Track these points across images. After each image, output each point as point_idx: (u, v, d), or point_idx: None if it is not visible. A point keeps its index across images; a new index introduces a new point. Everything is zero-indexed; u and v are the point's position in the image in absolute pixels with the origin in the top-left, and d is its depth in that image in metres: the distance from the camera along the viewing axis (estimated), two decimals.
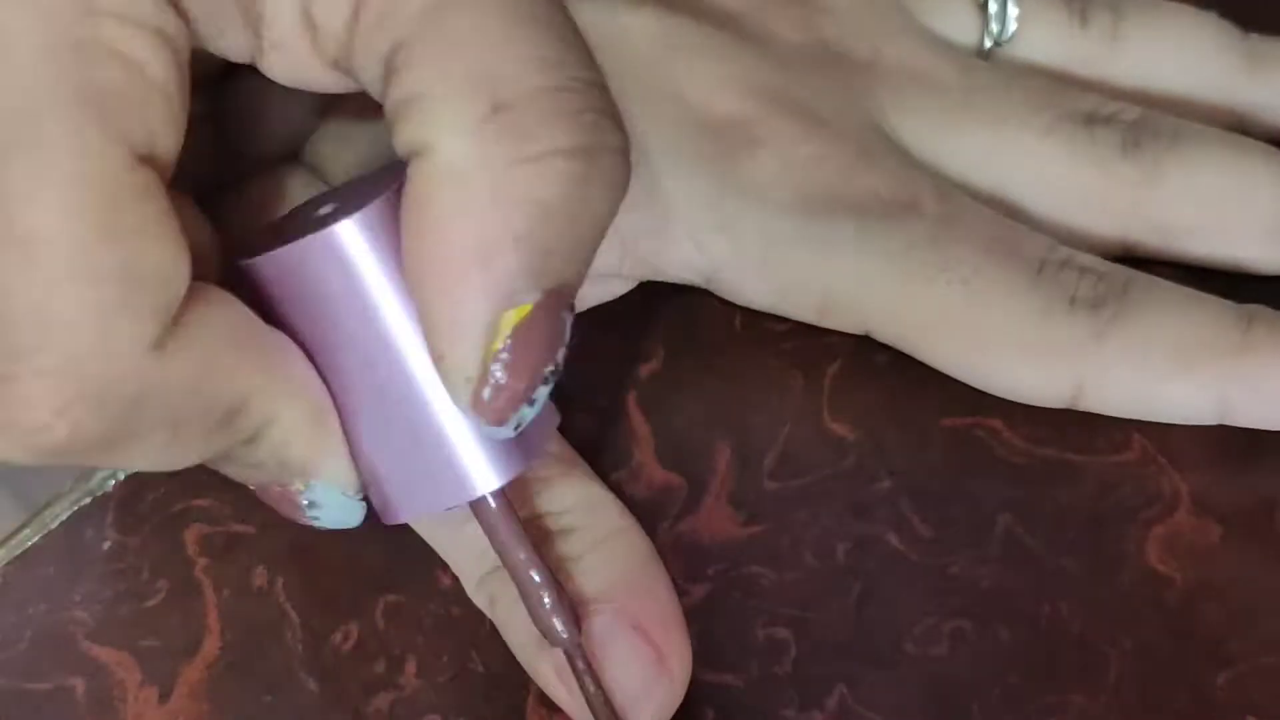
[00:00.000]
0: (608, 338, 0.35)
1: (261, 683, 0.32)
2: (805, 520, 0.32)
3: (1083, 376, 0.32)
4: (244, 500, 0.34)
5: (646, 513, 0.33)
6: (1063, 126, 0.34)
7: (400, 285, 0.26)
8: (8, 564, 0.34)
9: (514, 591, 0.29)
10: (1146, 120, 0.34)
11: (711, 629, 0.31)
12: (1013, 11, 0.36)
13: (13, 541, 0.34)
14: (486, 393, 0.26)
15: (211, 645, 0.33)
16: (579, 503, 0.31)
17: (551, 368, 0.26)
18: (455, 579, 0.33)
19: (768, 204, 0.33)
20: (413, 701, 0.31)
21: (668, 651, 0.30)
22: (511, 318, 0.25)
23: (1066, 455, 0.32)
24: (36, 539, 0.34)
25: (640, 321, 0.36)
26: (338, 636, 0.32)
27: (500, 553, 0.28)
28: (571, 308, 0.26)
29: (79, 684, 0.32)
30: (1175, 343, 0.32)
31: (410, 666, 0.32)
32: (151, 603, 0.33)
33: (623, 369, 0.34)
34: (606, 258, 0.33)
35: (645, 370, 0.35)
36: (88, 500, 0.34)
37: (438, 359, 0.26)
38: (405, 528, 0.33)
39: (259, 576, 0.33)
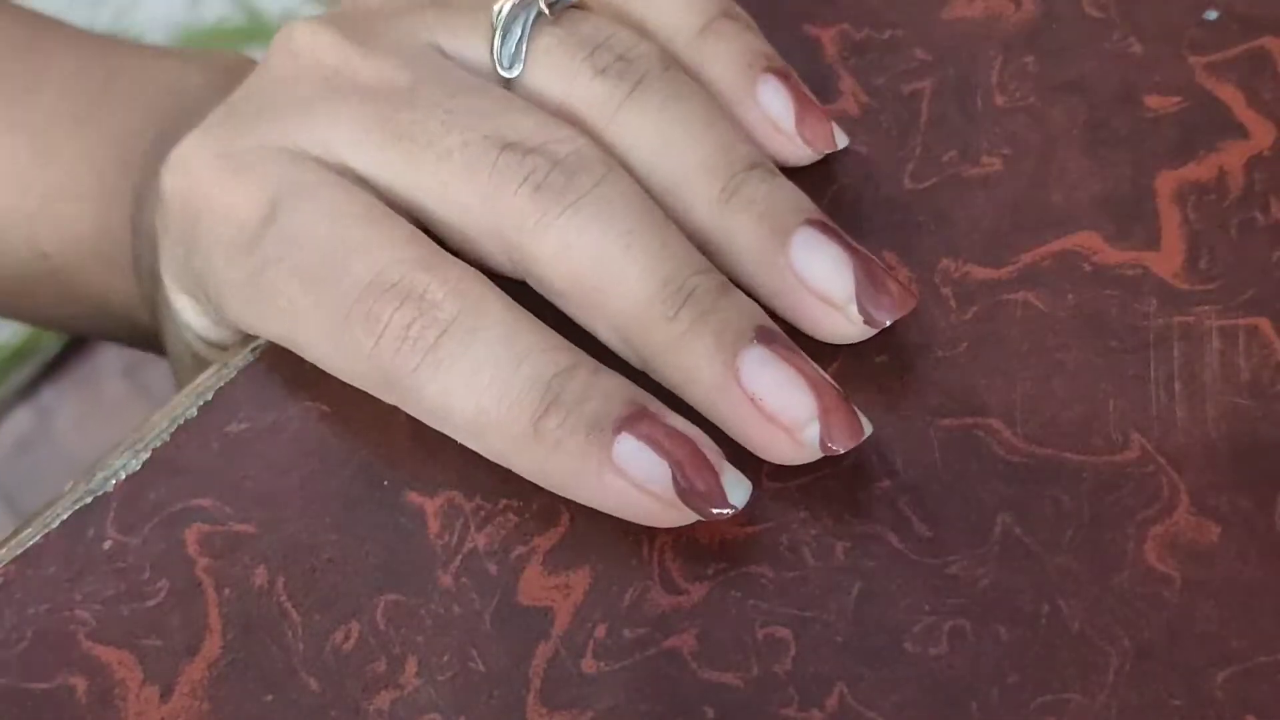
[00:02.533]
0: None
1: (262, 682, 0.32)
2: (804, 520, 0.33)
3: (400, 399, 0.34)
4: (245, 499, 0.34)
5: None
6: (469, 150, 0.34)
7: None
8: (8, 563, 0.34)
9: None
10: (575, 161, 0.33)
11: (711, 629, 0.32)
12: (523, 48, 0.35)
13: (13, 541, 0.34)
14: None
15: (212, 644, 0.33)
16: None
17: None
18: (456, 578, 0.33)
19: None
20: (413, 701, 0.31)
21: None
22: None
23: (1065, 455, 0.33)
24: (37, 539, 0.34)
25: None
26: (338, 636, 0.32)
27: None
28: None
29: (80, 683, 0.32)
30: (474, 406, 0.32)
31: (411, 666, 0.32)
32: (152, 602, 0.33)
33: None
34: None
35: None
36: (88, 500, 0.34)
37: None
38: (412, 520, 0.33)
39: (259, 576, 0.33)
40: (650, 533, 0.32)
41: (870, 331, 0.34)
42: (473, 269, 0.34)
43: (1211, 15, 0.38)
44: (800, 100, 0.36)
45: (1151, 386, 0.33)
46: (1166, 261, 0.35)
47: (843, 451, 0.32)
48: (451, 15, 0.36)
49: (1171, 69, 0.38)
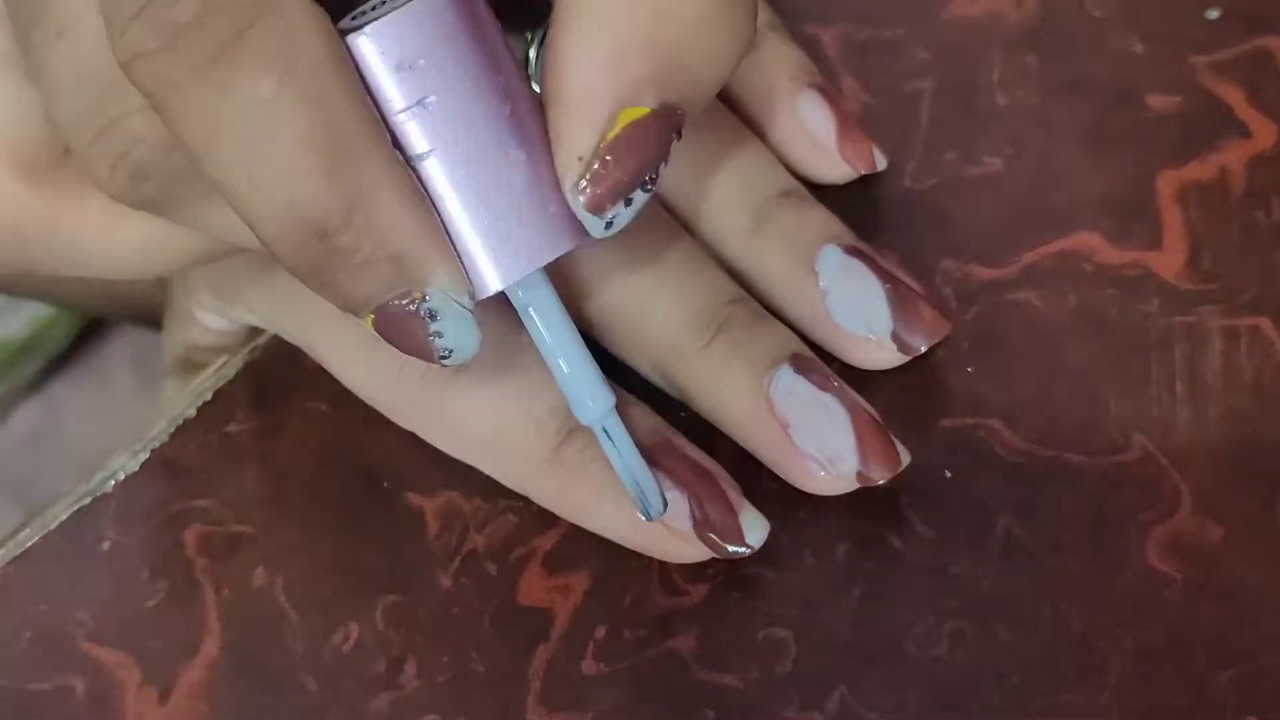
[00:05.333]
0: None
1: (261, 683, 0.32)
2: (805, 520, 0.32)
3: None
4: (244, 500, 0.34)
5: None
6: None
7: (498, 53, 0.27)
8: (8, 564, 0.34)
9: None
10: None
11: (712, 629, 0.31)
12: None
13: (12, 541, 0.34)
14: (590, 177, 0.27)
15: (211, 645, 0.33)
16: None
17: (650, 176, 0.27)
18: (455, 579, 0.33)
19: None
20: (413, 701, 0.31)
21: None
22: (628, 115, 0.27)
23: (1066, 455, 0.32)
24: (36, 539, 0.34)
25: None
26: (338, 636, 0.32)
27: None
28: (680, 133, 0.27)
29: (79, 684, 0.32)
30: (495, 428, 0.32)
31: (410, 666, 0.32)
32: (151, 603, 0.33)
33: (622, 368, 0.34)
34: None
35: None
36: (88, 500, 0.34)
37: (555, 135, 0.27)
38: (412, 521, 0.33)
39: (259, 576, 0.33)
40: None
41: (906, 358, 0.34)
42: None
43: (1213, 14, 0.38)
44: (842, 117, 0.36)
45: (1153, 387, 0.33)
46: (1168, 261, 0.35)
47: (880, 482, 0.32)
48: None
49: (1173, 68, 0.38)
